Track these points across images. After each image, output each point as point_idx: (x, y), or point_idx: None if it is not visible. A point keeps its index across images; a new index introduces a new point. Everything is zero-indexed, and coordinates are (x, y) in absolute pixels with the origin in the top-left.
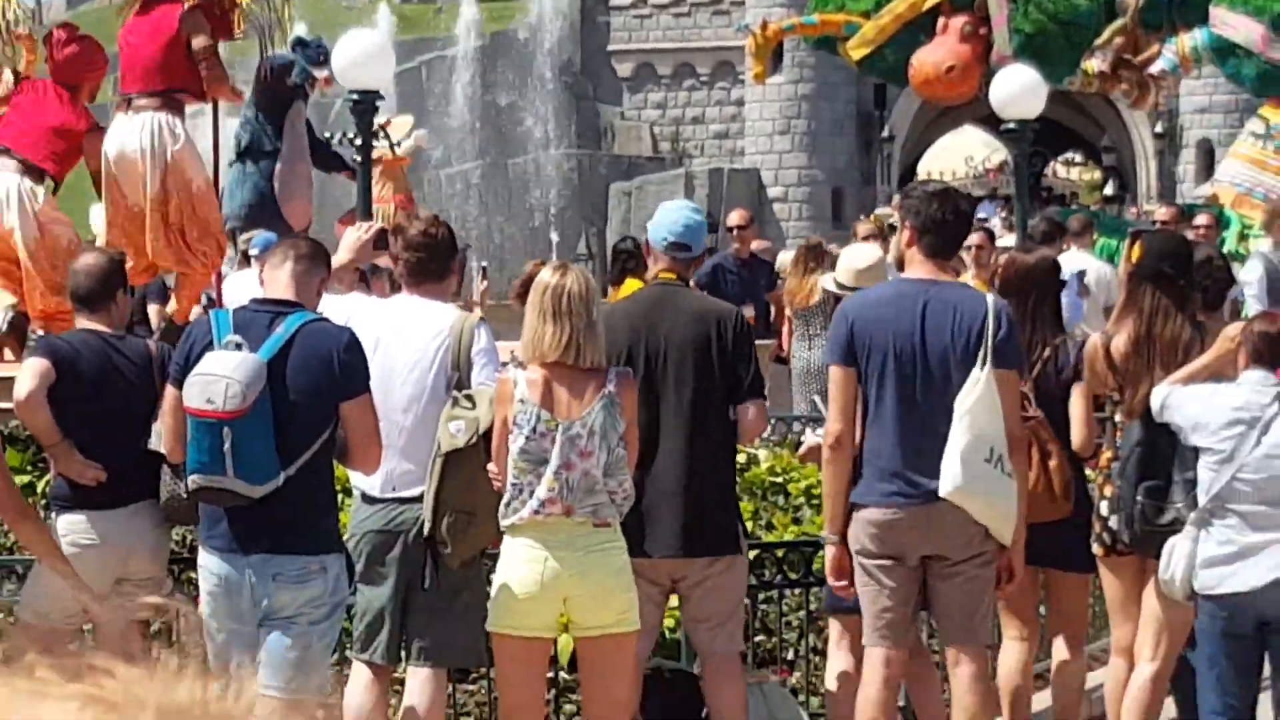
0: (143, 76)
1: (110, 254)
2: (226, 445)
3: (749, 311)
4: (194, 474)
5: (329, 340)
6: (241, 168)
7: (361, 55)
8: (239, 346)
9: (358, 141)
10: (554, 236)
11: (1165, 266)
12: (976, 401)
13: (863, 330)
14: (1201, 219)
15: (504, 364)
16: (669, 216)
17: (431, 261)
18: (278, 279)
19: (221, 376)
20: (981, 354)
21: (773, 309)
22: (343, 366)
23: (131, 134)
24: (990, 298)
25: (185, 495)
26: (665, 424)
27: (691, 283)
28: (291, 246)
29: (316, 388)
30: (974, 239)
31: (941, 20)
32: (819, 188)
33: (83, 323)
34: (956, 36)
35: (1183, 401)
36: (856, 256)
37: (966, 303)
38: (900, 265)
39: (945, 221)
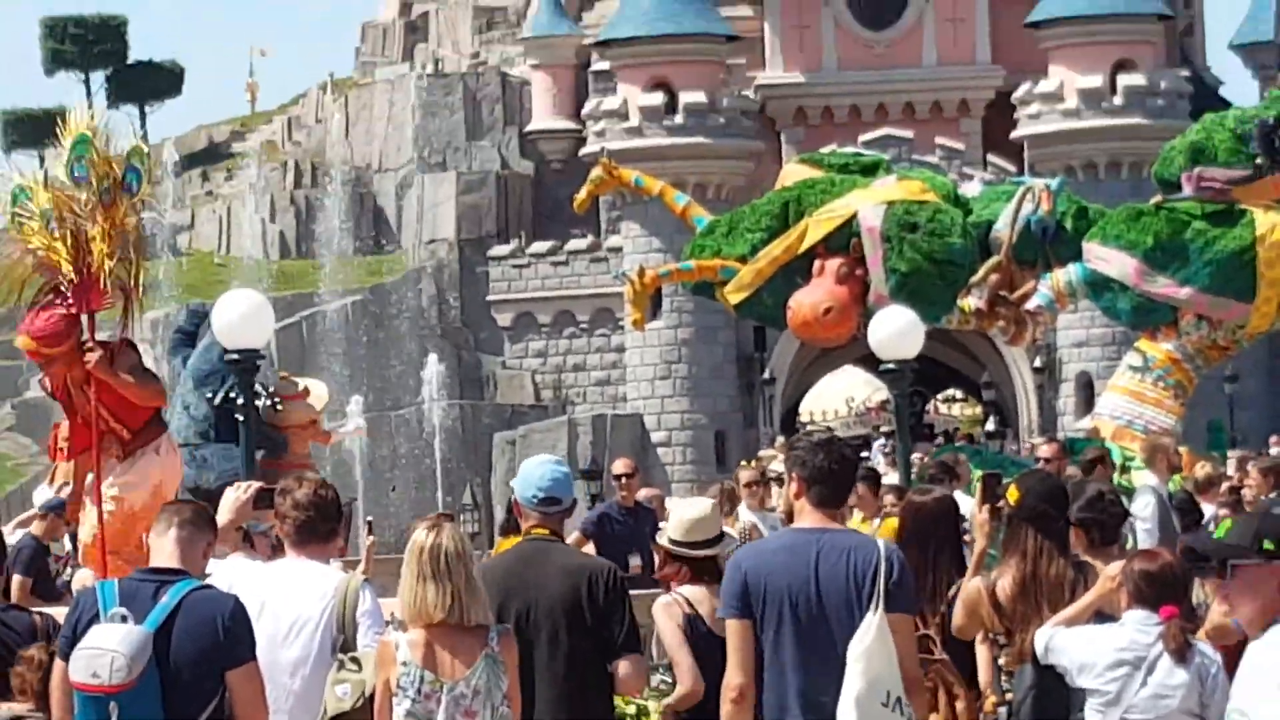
0: None
1: None
2: (114, 719)
3: (635, 560)
4: None
5: (214, 608)
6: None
7: (241, 314)
8: (124, 619)
9: (240, 401)
10: (439, 488)
11: (1046, 507)
12: (869, 647)
13: (756, 580)
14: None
15: (385, 623)
16: (535, 472)
17: (318, 523)
18: (162, 546)
19: (107, 650)
20: (874, 599)
21: (656, 556)
22: (227, 634)
23: None
24: (881, 542)
25: None
26: (540, 681)
27: (577, 534)
28: (175, 512)
29: (203, 657)
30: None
31: (818, 263)
32: (702, 431)
33: None
34: (833, 278)
35: (1066, 643)
36: (686, 509)
37: (859, 549)
38: (790, 517)
39: (832, 471)
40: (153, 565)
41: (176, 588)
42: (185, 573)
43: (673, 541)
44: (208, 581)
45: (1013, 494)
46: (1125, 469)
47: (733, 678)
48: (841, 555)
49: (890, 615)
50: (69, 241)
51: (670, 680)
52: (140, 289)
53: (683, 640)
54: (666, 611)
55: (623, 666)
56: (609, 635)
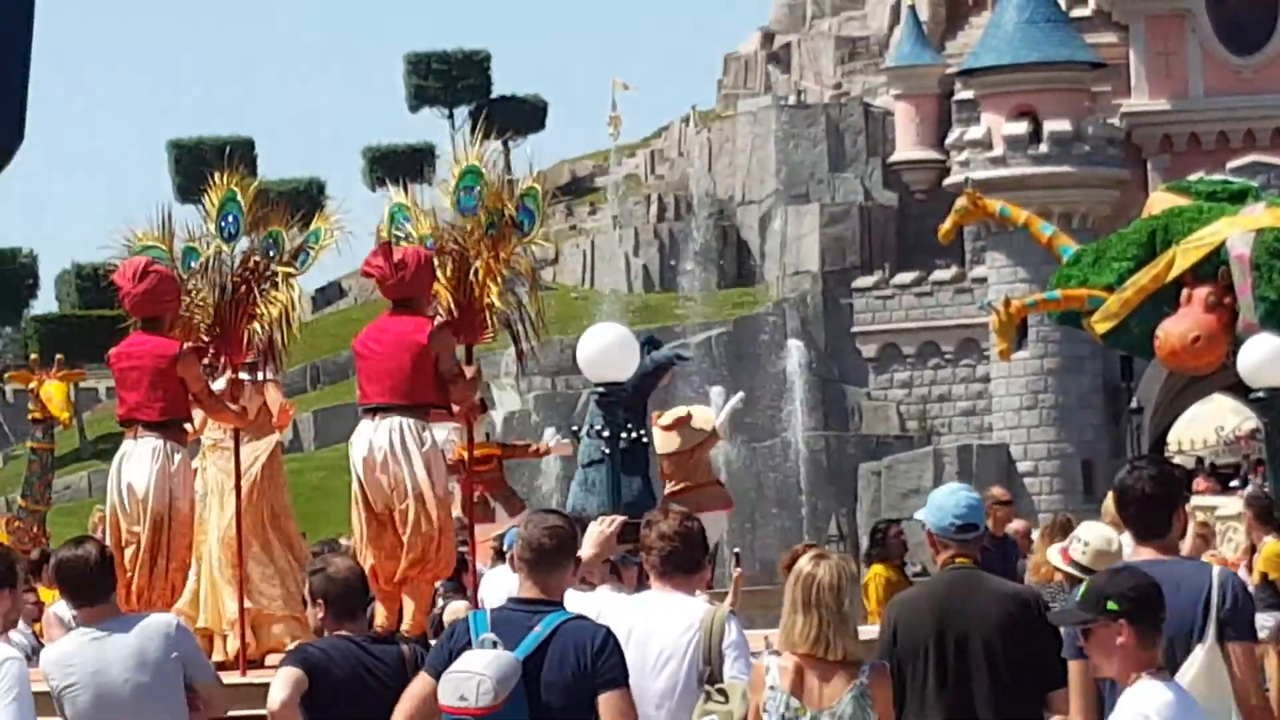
0: (388, 389)
1: (357, 563)
2: None
3: None
4: None
5: (585, 637)
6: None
7: (606, 349)
8: (494, 644)
9: (605, 434)
10: (804, 519)
11: None
12: (1193, 679)
13: None
14: None
15: (758, 652)
16: (949, 500)
17: (684, 555)
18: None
19: (475, 674)
20: (1207, 629)
21: None
22: (597, 662)
23: (380, 441)
24: (1215, 571)
25: None
26: (978, 707)
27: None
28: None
29: (573, 685)
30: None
31: (1185, 291)
32: (1069, 461)
33: (335, 629)
34: (1201, 306)
35: None
36: (1094, 538)
37: (1189, 580)
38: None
39: (1139, 498)
40: (523, 596)
41: (549, 618)
42: (558, 604)
43: (1078, 566)
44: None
45: None
46: None
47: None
48: (1174, 587)
49: (1227, 645)
50: (449, 271)
51: None
52: (538, 325)
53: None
54: None
55: (1059, 698)
56: (1043, 663)
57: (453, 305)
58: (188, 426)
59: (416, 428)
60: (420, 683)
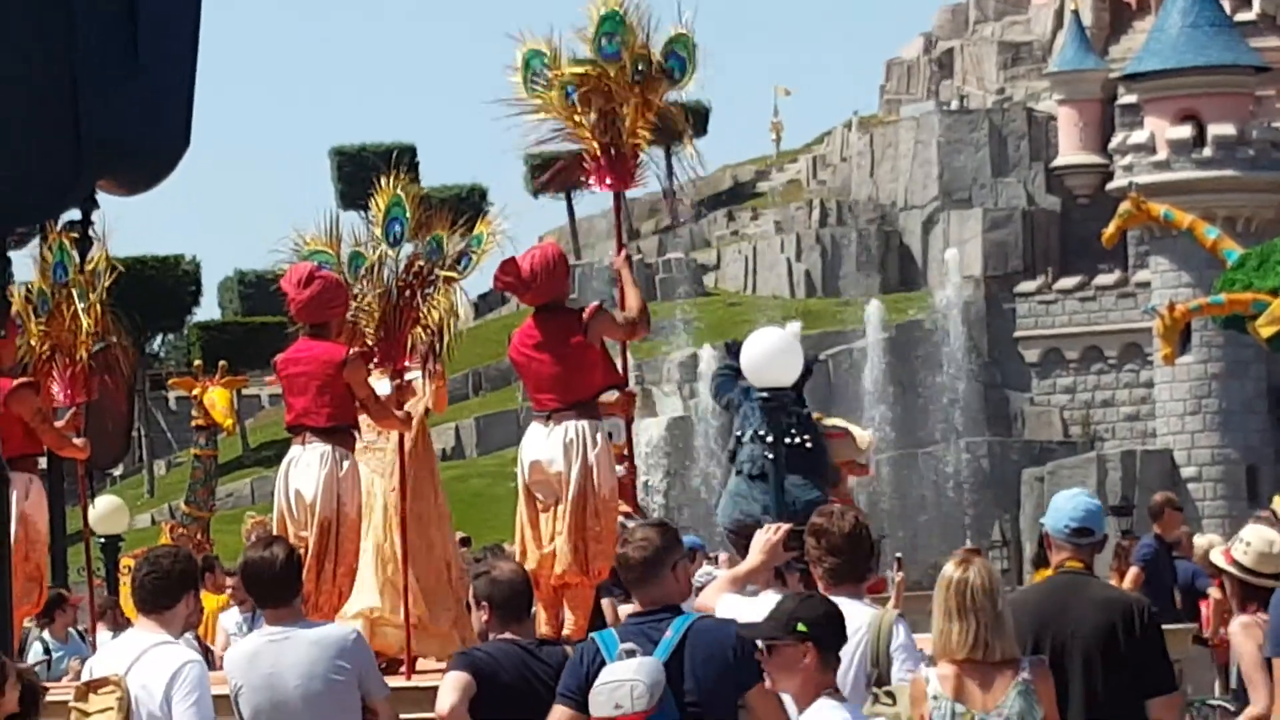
0: (556, 393)
1: (522, 567)
2: None
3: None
4: None
5: (720, 635)
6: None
7: (770, 353)
8: (634, 653)
9: (768, 439)
10: (967, 524)
11: None
12: None
13: None
14: None
15: (921, 657)
16: (1067, 504)
17: (852, 563)
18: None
19: (625, 680)
20: None
21: (1178, 594)
22: (737, 658)
23: (552, 444)
24: None
25: None
26: (1073, 713)
27: (1135, 569)
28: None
29: (716, 683)
30: None
31: None
32: (1233, 467)
33: (500, 633)
34: None
35: None
36: (1256, 539)
37: None
38: None
39: None
40: (638, 610)
41: (678, 622)
42: (678, 608)
43: (1241, 568)
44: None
45: None
46: None
47: (1255, 709)
48: None
49: None
50: (593, 115)
51: None
52: (694, 184)
53: (1260, 661)
54: (1246, 632)
55: (1159, 705)
56: (1144, 671)
57: (599, 152)
58: (355, 433)
59: (590, 430)
60: (556, 713)
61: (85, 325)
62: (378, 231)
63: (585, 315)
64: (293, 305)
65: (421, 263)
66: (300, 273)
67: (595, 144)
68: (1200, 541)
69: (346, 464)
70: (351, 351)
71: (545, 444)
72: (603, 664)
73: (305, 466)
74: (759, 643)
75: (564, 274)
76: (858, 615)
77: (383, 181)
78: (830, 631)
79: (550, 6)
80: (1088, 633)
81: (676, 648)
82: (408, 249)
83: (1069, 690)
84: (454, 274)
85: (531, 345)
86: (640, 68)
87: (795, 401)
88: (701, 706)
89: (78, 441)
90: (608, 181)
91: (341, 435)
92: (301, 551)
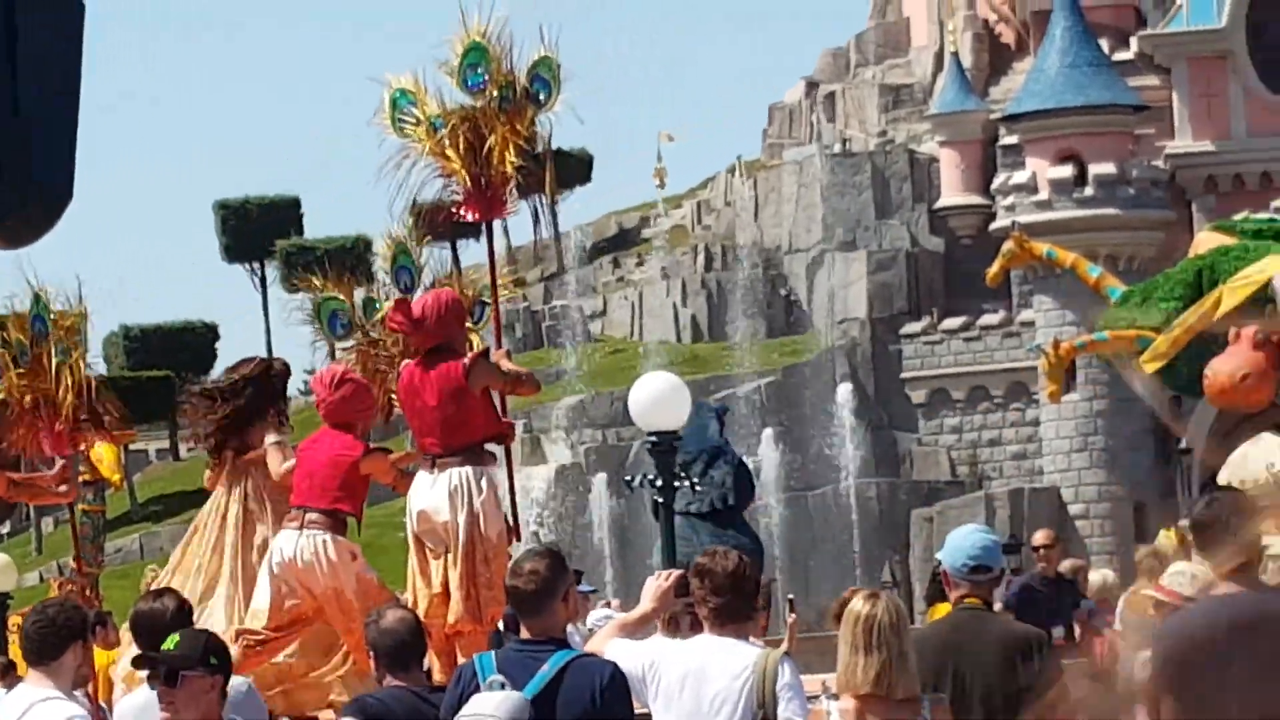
0: (438, 436)
1: (412, 614)
2: None
3: (1058, 632)
4: None
5: (595, 673)
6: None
7: (657, 397)
8: (503, 685)
9: (658, 483)
10: (858, 565)
11: None
12: None
13: None
14: None
15: (815, 696)
16: (964, 541)
17: (737, 603)
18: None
19: (484, 715)
20: None
21: (1077, 628)
22: (603, 698)
23: (438, 493)
24: None
25: None
26: None
27: (997, 605)
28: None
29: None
30: None
31: (1233, 329)
32: (1120, 503)
33: (391, 680)
34: (1249, 344)
35: None
36: (1199, 570)
37: None
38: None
39: (1215, 524)
40: (525, 637)
41: (556, 656)
42: (562, 642)
43: (1185, 598)
44: (588, 650)
45: None
46: None
47: None
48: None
49: None
50: (461, 147)
51: None
52: (552, 191)
53: None
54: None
55: None
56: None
57: (469, 181)
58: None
59: (474, 476)
60: None
61: (66, 380)
62: (387, 279)
63: (468, 361)
64: (321, 406)
65: None
66: (333, 374)
67: (465, 175)
68: (1095, 578)
69: (332, 546)
70: (371, 446)
71: (431, 493)
72: (477, 688)
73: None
74: None
75: (456, 319)
76: (744, 655)
77: (386, 231)
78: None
79: (426, 49)
80: (988, 668)
81: (550, 682)
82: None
83: None
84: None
85: (416, 387)
86: (507, 95)
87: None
88: None
89: (61, 489)
90: (476, 213)
91: (337, 523)
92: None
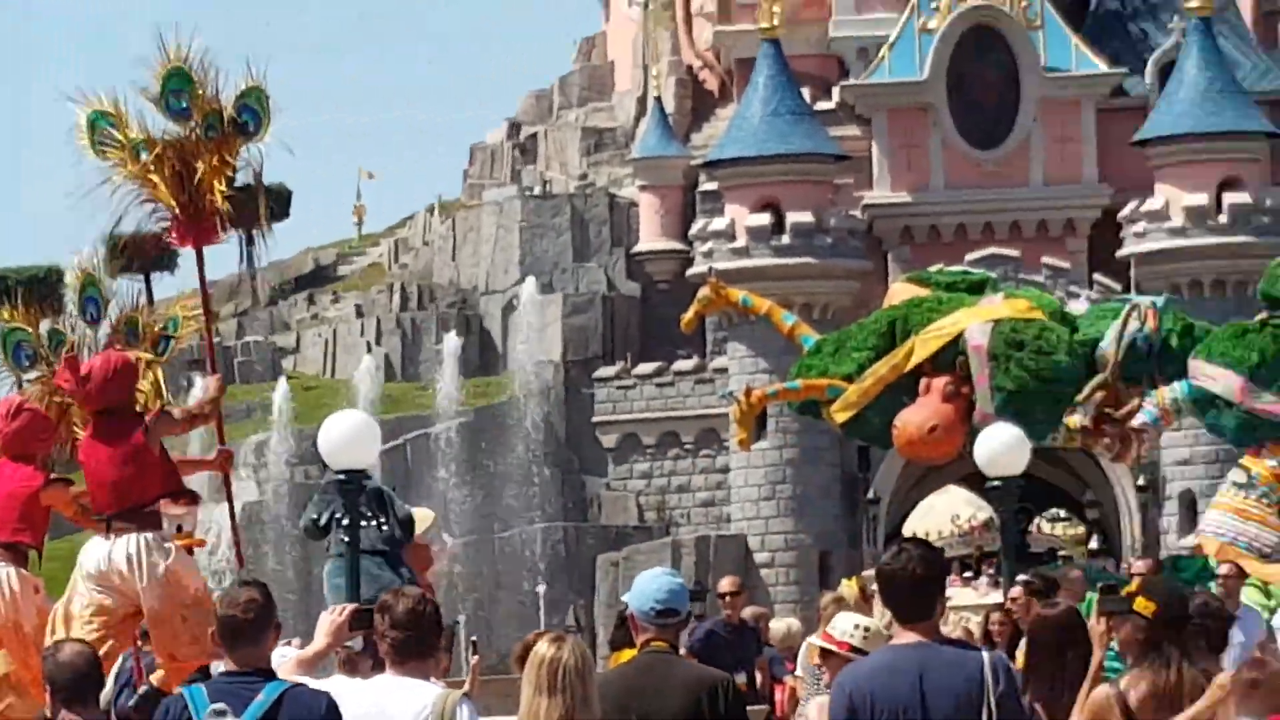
0: (112, 497)
1: (90, 647)
2: None
3: (740, 678)
4: None
5: (311, 703)
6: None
7: (346, 435)
8: (223, 714)
9: (345, 522)
10: (542, 608)
11: (1182, 614)
12: None
13: (862, 701)
14: (1224, 569)
15: None
16: (651, 585)
17: (417, 640)
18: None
19: None
20: (985, 712)
21: (759, 675)
22: None
23: (116, 557)
24: (986, 654)
25: None
26: None
27: (683, 649)
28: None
29: None
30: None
31: (924, 381)
32: (806, 551)
33: (66, 715)
34: (939, 396)
35: None
36: (868, 621)
37: (963, 662)
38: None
39: (904, 583)
40: (231, 669)
41: (270, 687)
42: (272, 673)
43: (854, 649)
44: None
45: (1146, 604)
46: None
47: None
48: (946, 670)
49: None
50: (167, 173)
51: None
52: (267, 224)
53: None
54: (820, 712)
55: None
56: None
57: (179, 210)
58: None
59: (153, 542)
60: None
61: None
62: (74, 309)
63: (148, 419)
64: None
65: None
66: (8, 404)
67: (174, 202)
68: (778, 626)
69: (15, 578)
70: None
71: (108, 557)
72: None
73: None
74: None
75: (125, 381)
76: (423, 695)
77: (75, 261)
78: None
79: (117, 70)
80: (673, 711)
81: (268, 711)
82: (105, 328)
83: None
84: (155, 357)
85: (91, 449)
86: (212, 123)
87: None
88: None
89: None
90: (186, 240)
91: (18, 555)
92: None
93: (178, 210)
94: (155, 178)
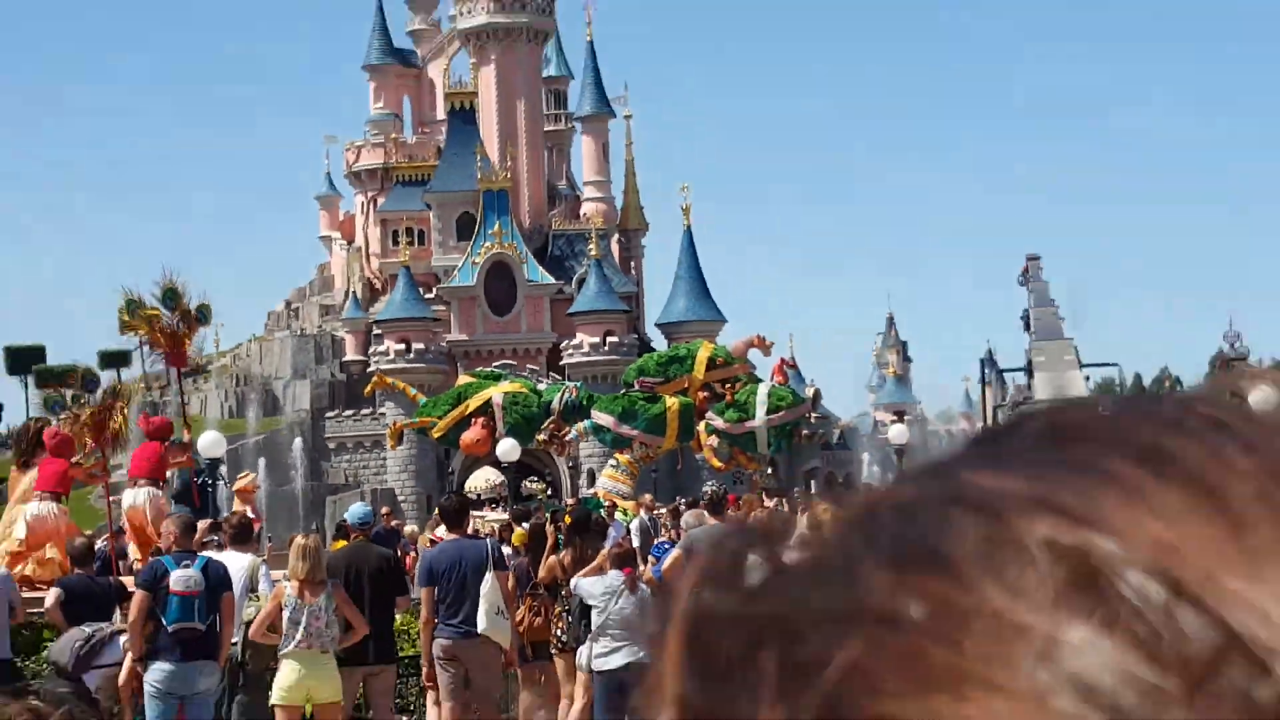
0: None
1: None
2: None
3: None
4: None
5: (218, 565)
6: None
7: None
8: (187, 565)
9: None
10: (302, 516)
11: (585, 522)
12: (489, 588)
13: (437, 564)
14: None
15: (274, 581)
16: (358, 510)
17: (244, 533)
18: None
19: (191, 575)
20: (489, 566)
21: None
22: (223, 577)
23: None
24: (489, 541)
25: None
26: (364, 607)
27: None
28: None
29: (219, 587)
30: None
31: (474, 419)
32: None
33: None
34: (480, 426)
35: (585, 585)
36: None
37: (479, 545)
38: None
39: (453, 509)
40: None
41: (201, 558)
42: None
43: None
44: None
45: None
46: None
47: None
48: (472, 548)
49: (497, 573)
50: (160, 336)
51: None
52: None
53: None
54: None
55: (401, 601)
56: (394, 587)
57: (167, 349)
58: None
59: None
60: (138, 601)
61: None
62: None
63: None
64: None
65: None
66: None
67: (165, 347)
68: None
69: None
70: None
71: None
72: (167, 570)
73: None
74: None
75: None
76: (244, 560)
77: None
78: None
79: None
80: (371, 569)
81: (202, 567)
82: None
83: (361, 597)
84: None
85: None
86: (185, 314)
87: None
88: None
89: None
90: (171, 362)
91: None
92: None
93: (166, 349)
94: (157, 334)
